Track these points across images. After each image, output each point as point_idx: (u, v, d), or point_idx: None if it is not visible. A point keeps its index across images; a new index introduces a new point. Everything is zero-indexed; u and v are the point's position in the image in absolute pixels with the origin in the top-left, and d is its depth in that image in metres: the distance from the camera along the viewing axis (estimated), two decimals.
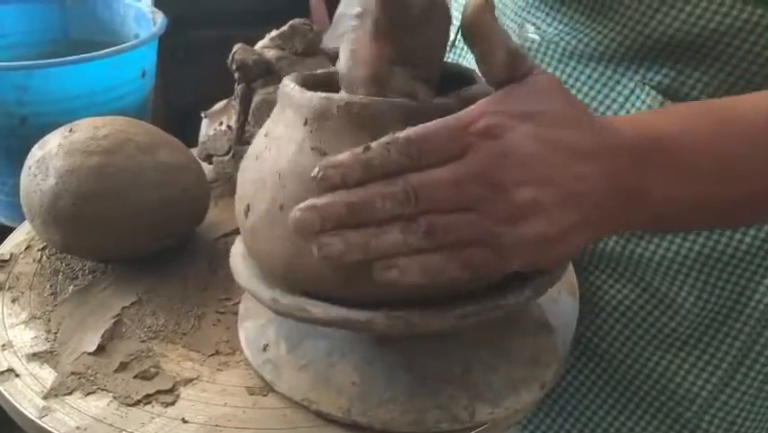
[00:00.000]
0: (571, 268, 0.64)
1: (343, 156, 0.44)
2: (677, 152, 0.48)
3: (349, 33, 0.48)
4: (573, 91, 0.67)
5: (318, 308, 0.46)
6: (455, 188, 0.43)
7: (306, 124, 0.47)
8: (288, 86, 0.49)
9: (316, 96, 0.47)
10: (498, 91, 0.45)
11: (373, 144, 0.43)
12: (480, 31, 0.44)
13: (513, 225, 0.43)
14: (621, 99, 0.65)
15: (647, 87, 0.63)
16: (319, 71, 0.55)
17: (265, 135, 0.50)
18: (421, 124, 0.43)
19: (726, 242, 0.64)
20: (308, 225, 0.44)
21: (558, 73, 0.68)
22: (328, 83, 0.51)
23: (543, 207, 0.43)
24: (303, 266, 0.46)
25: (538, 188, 0.43)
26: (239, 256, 0.53)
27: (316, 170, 0.44)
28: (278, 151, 0.48)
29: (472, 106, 0.44)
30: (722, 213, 0.52)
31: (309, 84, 0.50)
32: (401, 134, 0.43)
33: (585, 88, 0.67)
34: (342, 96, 0.47)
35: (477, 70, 0.48)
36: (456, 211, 0.43)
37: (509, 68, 0.45)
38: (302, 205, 0.44)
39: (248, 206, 0.49)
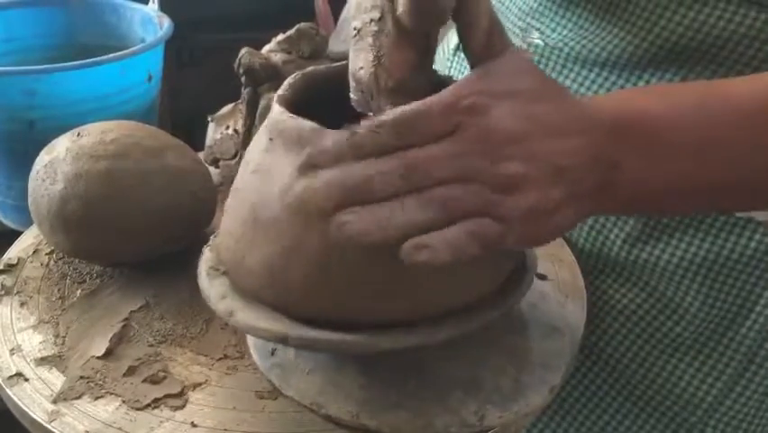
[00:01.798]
0: (578, 272, 0.65)
1: (330, 141, 0.43)
2: (656, 130, 0.47)
3: (366, 38, 0.46)
4: (578, 96, 0.67)
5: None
6: (452, 161, 0.42)
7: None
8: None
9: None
10: (476, 70, 0.45)
11: (360, 129, 0.42)
12: None
13: (509, 194, 0.42)
14: None
15: None
16: (301, 74, 0.54)
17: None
18: (406, 105, 0.42)
19: (732, 247, 0.64)
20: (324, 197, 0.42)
21: (563, 78, 0.68)
22: (322, 81, 0.52)
23: (532, 181, 0.43)
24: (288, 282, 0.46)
25: (525, 164, 0.43)
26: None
27: (303, 158, 0.42)
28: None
29: (453, 86, 0.44)
30: (704, 196, 0.51)
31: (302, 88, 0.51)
32: (387, 116, 0.42)
33: (590, 93, 0.67)
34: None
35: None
36: (455, 182, 0.42)
37: (489, 36, 0.44)
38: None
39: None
